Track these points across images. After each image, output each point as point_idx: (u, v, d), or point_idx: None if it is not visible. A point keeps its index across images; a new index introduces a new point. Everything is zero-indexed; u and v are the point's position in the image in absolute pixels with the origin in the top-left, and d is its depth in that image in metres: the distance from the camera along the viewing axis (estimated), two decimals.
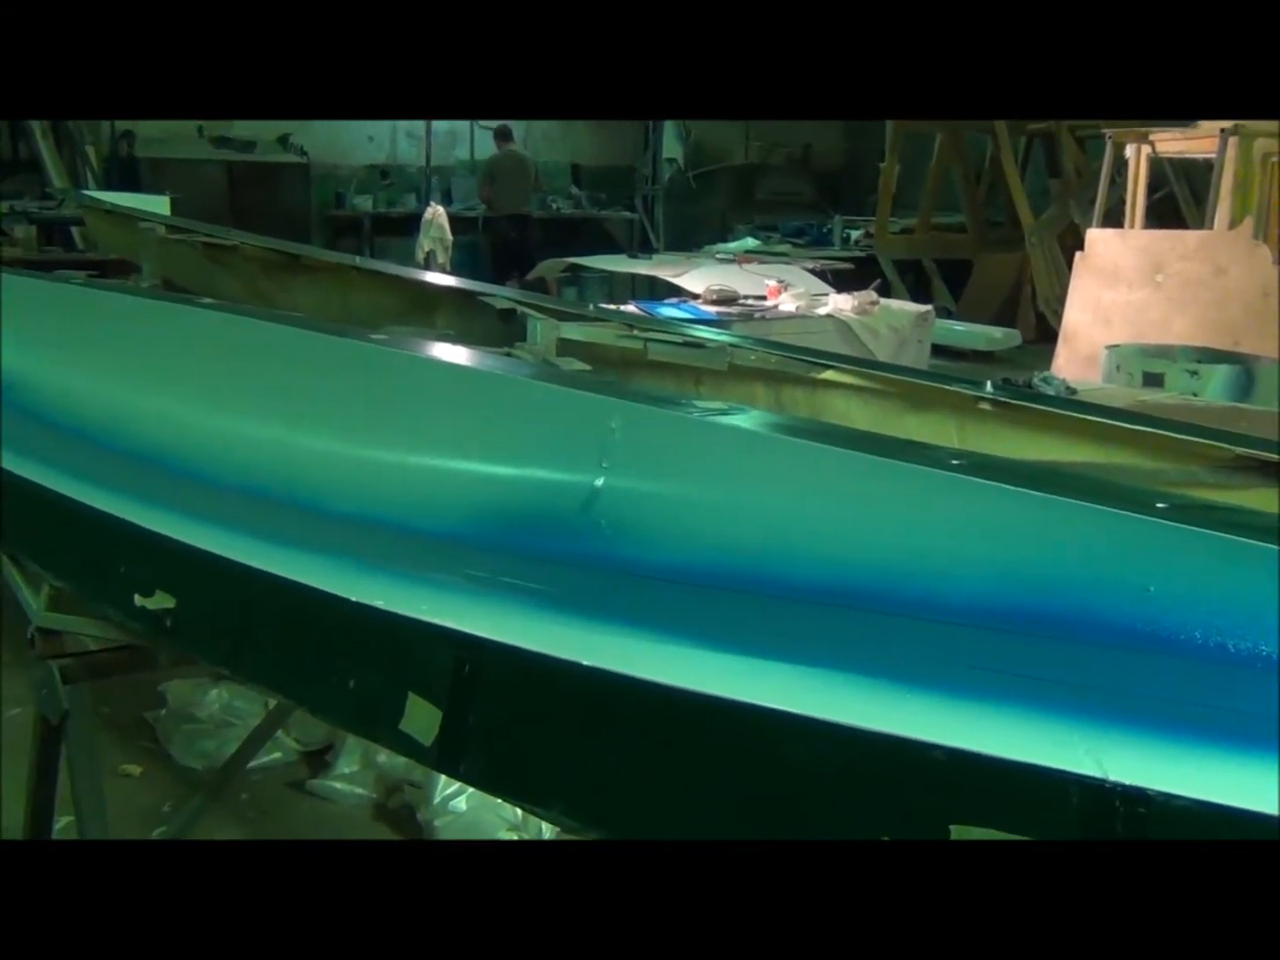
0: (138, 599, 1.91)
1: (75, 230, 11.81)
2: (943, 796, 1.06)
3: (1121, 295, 9.43)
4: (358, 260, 4.63)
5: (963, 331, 12.25)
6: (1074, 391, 6.16)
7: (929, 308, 9.05)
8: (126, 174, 12.93)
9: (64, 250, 11.83)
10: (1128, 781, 0.97)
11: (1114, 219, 10.56)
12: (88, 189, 11.34)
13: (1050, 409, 2.64)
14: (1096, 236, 10.08)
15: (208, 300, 2.91)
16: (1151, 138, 10.16)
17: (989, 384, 2.72)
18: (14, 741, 3.65)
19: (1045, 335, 11.97)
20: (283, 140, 14.18)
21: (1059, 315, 10.78)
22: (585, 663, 1.28)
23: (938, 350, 9.74)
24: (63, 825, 2.58)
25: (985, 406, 2.66)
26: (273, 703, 3.65)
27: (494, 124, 14.28)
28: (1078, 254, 10.18)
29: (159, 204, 7.93)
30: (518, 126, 15.46)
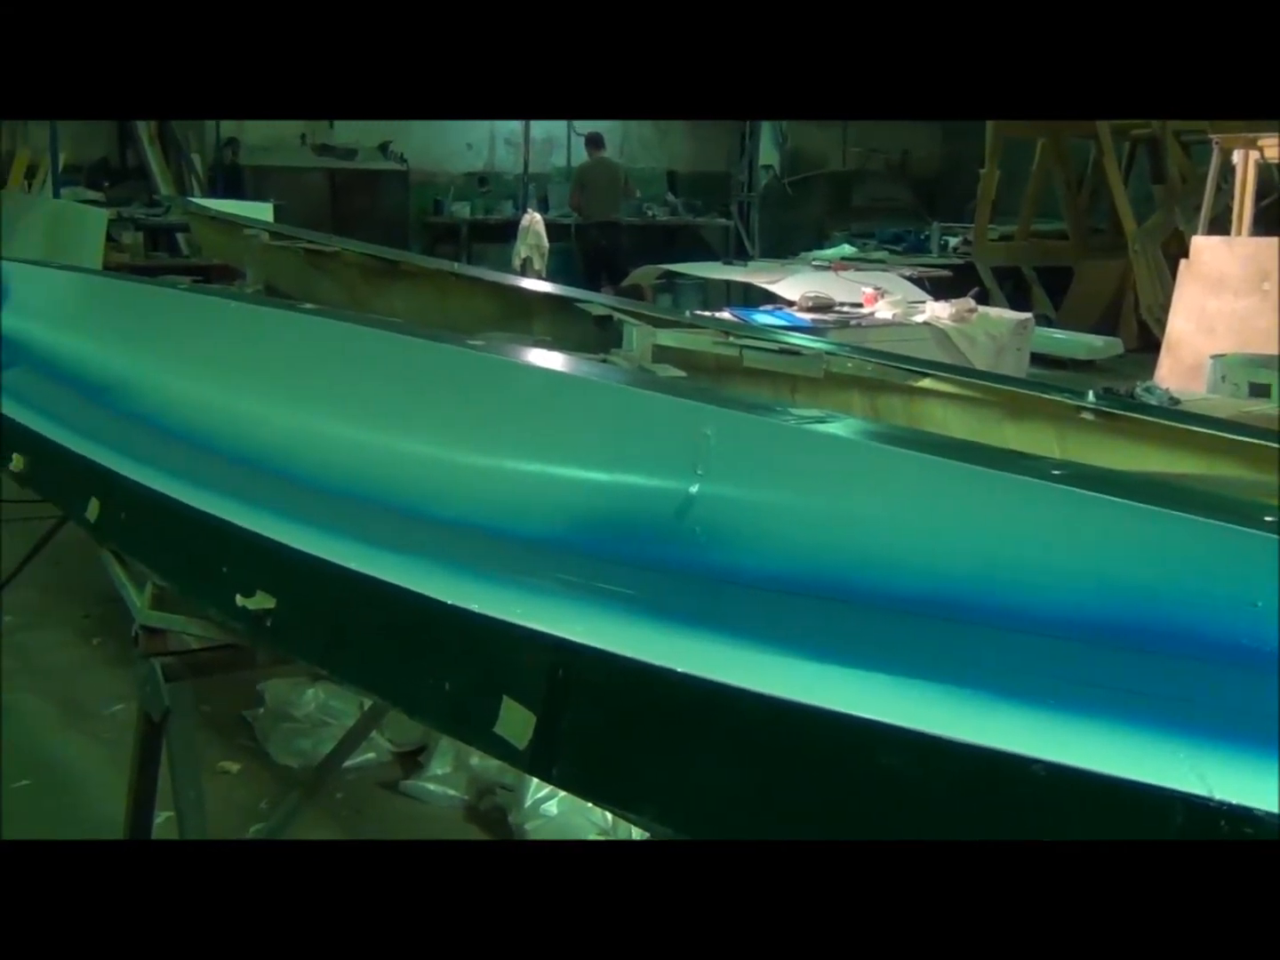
0: (239, 599, 1.94)
1: (181, 236, 12.07)
2: (1042, 812, 1.04)
3: (1227, 303, 9.26)
4: (456, 267, 4.68)
5: (1063, 339, 12.05)
6: (1178, 402, 6.05)
7: (1028, 315, 8.93)
8: (231, 181, 13.16)
9: (169, 256, 12.09)
10: (1233, 800, 0.95)
11: (1220, 226, 10.36)
12: (193, 196, 11.58)
13: (1153, 419, 2.59)
14: (1202, 244, 9.90)
15: (309, 306, 2.96)
16: (1260, 143, 9.95)
17: (1090, 393, 2.67)
18: (116, 737, 3.74)
19: (1148, 344, 11.76)
20: (383, 148, 14.35)
21: (1162, 324, 10.61)
22: (679, 669, 1.28)
23: (1037, 359, 9.60)
24: (162, 820, 2.63)
25: (1087, 416, 2.63)
26: (368, 703, 3.69)
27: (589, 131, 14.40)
28: (1182, 261, 10.01)
29: (262, 211, 8.10)
30: (614, 132, 15.51)
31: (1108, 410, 2.62)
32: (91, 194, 11.88)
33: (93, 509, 2.47)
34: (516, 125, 15.08)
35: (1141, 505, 1.15)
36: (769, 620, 1.35)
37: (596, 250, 13.38)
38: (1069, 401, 2.68)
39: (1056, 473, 1.28)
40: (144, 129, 12.90)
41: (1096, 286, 14.02)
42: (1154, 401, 5.64)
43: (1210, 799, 0.96)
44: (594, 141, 13.75)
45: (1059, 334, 12.19)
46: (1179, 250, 10.93)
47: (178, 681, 2.32)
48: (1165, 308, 10.67)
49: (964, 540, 1.26)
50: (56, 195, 11.02)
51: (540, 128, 15.28)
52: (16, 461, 2.86)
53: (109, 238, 9.94)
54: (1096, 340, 12.28)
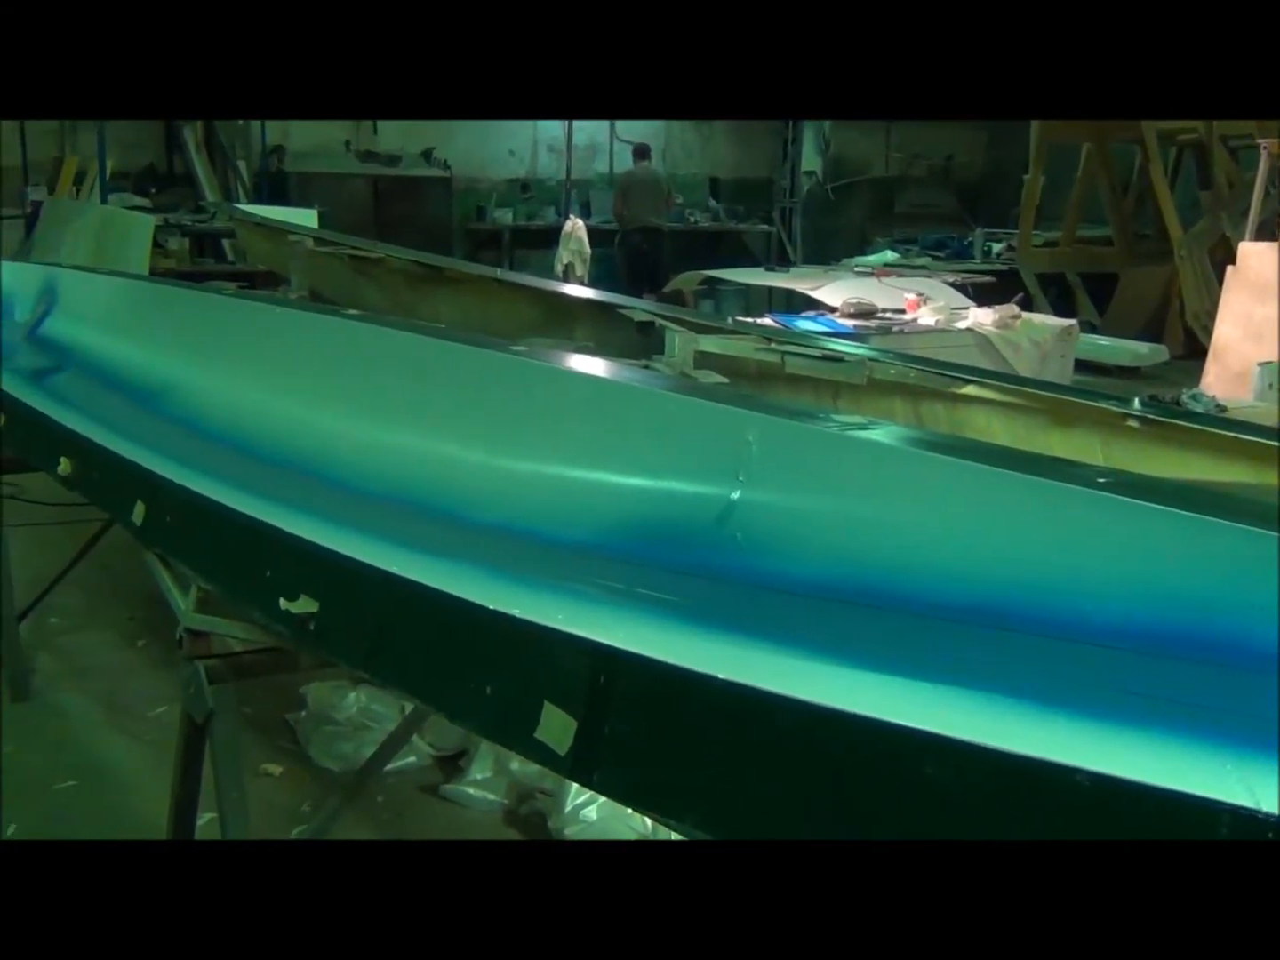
0: (282, 602, 1.95)
1: (226, 242, 12.17)
2: (1086, 823, 1.03)
3: (1275, 310, 9.16)
4: (499, 273, 4.70)
5: (1108, 346, 11.97)
6: (1224, 409, 6.01)
7: (1073, 322, 8.86)
8: (276, 188, 13.23)
9: (215, 262, 12.19)
10: None
11: (1267, 231, 10.26)
12: (239, 202, 11.67)
13: (1199, 427, 2.57)
14: (1249, 249, 9.81)
15: (353, 311, 2.98)
16: None
17: (1136, 401, 2.66)
18: (160, 738, 3.77)
19: (1194, 351, 11.66)
20: (426, 154, 14.41)
21: (1209, 331, 10.51)
22: (720, 676, 1.28)
23: (1082, 365, 9.53)
24: (205, 821, 2.65)
25: (1132, 424, 2.61)
26: (409, 707, 3.70)
27: (633, 139, 14.45)
28: (1229, 268, 9.92)
29: (307, 217, 8.14)
30: (657, 138, 15.57)
31: (1153, 418, 2.60)
32: (139, 200, 11.98)
33: (138, 512, 2.49)
34: (559, 132, 15.13)
35: (1187, 513, 1.14)
36: (811, 627, 1.35)
37: (640, 255, 13.38)
38: (1114, 409, 2.67)
39: (1101, 481, 1.27)
40: (190, 136, 13.01)
41: (1142, 293, 13.90)
42: (1200, 409, 5.60)
43: (1258, 811, 0.94)
44: (640, 152, 13.86)
45: (1104, 341, 12.11)
46: (1225, 256, 10.83)
47: (221, 684, 2.34)
48: (1211, 314, 10.58)
49: (1008, 548, 1.26)
50: (104, 201, 11.14)
51: (582, 134, 15.32)
52: (64, 465, 2.88)
53: (156, 243, 10.02)
54: (1142, 347, 12.18)
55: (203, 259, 12.23)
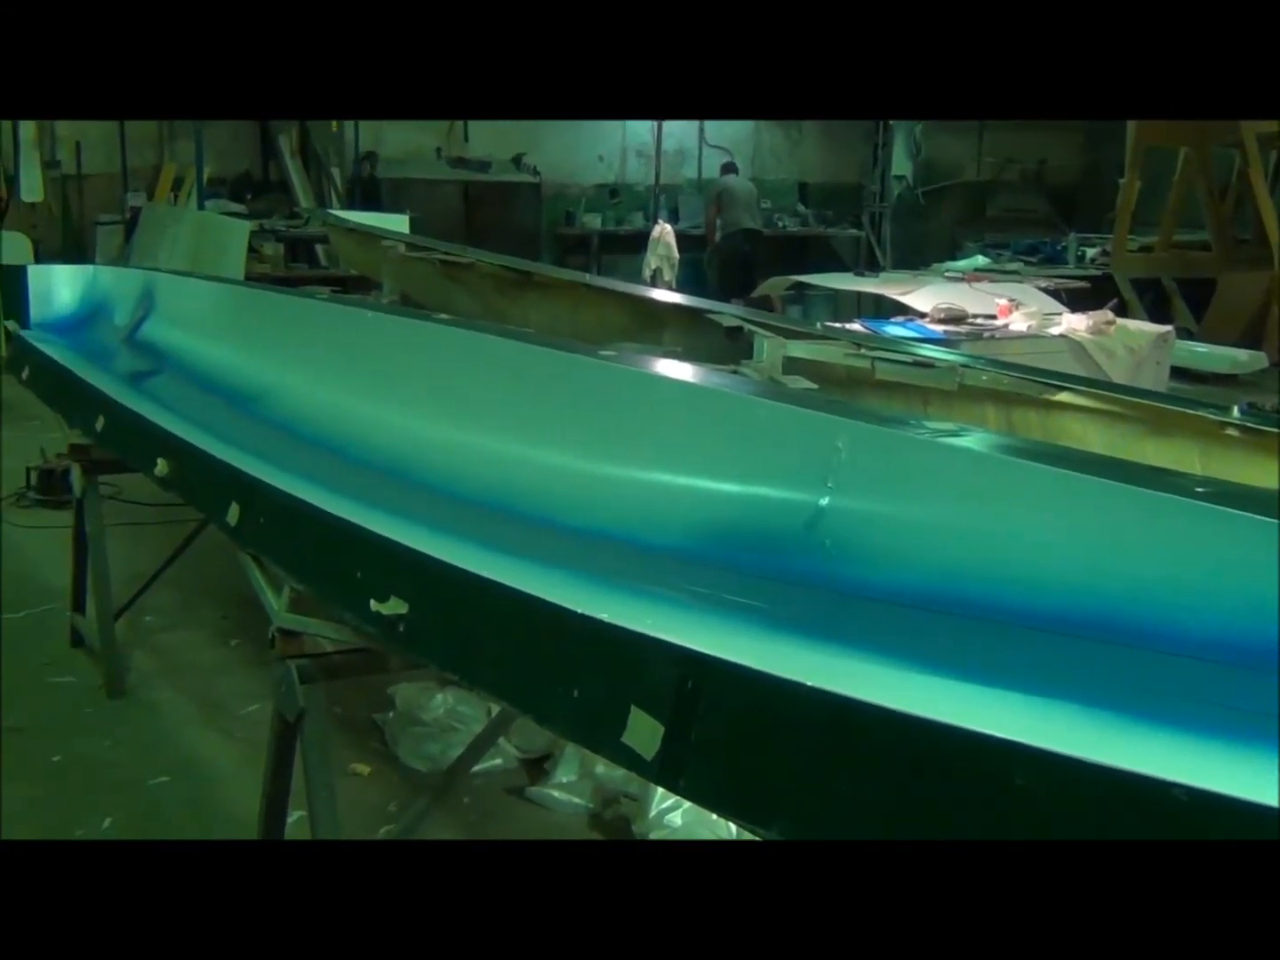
0: (373, 604, 1.97)
1: (320, 248, 12.33)
2: (1182, 838, 1.01)
3: None
4: (587, 278, 4.71)
5: (1205, 353, 11.74)
6: None
7: (1169, 328, 8.70)
8: (368, 193, 13.41)
9: (309, 267, 12.36)
10: None
11: None
12: (332, 208, 11.82)
13: None
14: None
15: (444, 316, 3.00)
16: None
17: (1235, 408, 2.61)
18: (251, 736, 3.82)
19: None
20: (516, 160, 14.52)
21: None
22: (809, 683, 1.27)
23: (1178, 373, 9.36)
24: (294, 819, 2.68)
25: (1231, 432, 2.56)
26: (495, 709, 3.72)
27: (723, 143, 14.49)
28: None
29: (399, 223, 8.23)
30: (747, 143, 15.66)
31: (1253, 426, 2.55)
32: (235, 206, 12.21)
33: (233, 513, 2.52)
34: (648, 137, 15.17)
35: None
36: (899, 635, 1.34)
37: (739, 257, 13.40)
38: (1212, 417, 2.62)
39: (1200, 490, 1.24)
40: (285, 143, 13.22)
41: (1240, 299, 13.63)
42: None
43: None
44: (729, 168, 14.13)
45: (1201, 347, 11.88)
46: None
47: (312, 684, 2.37)
48: None
49: (1103, 558, 1.24)
50: (201, 207, 11.35)
51: (671, 139, 15.35)
52: (161, 466, 2.94)
53: (251, 248, 10.18)
54: (1240, 354, 11.94)
55: (296, 264, 12.40)
